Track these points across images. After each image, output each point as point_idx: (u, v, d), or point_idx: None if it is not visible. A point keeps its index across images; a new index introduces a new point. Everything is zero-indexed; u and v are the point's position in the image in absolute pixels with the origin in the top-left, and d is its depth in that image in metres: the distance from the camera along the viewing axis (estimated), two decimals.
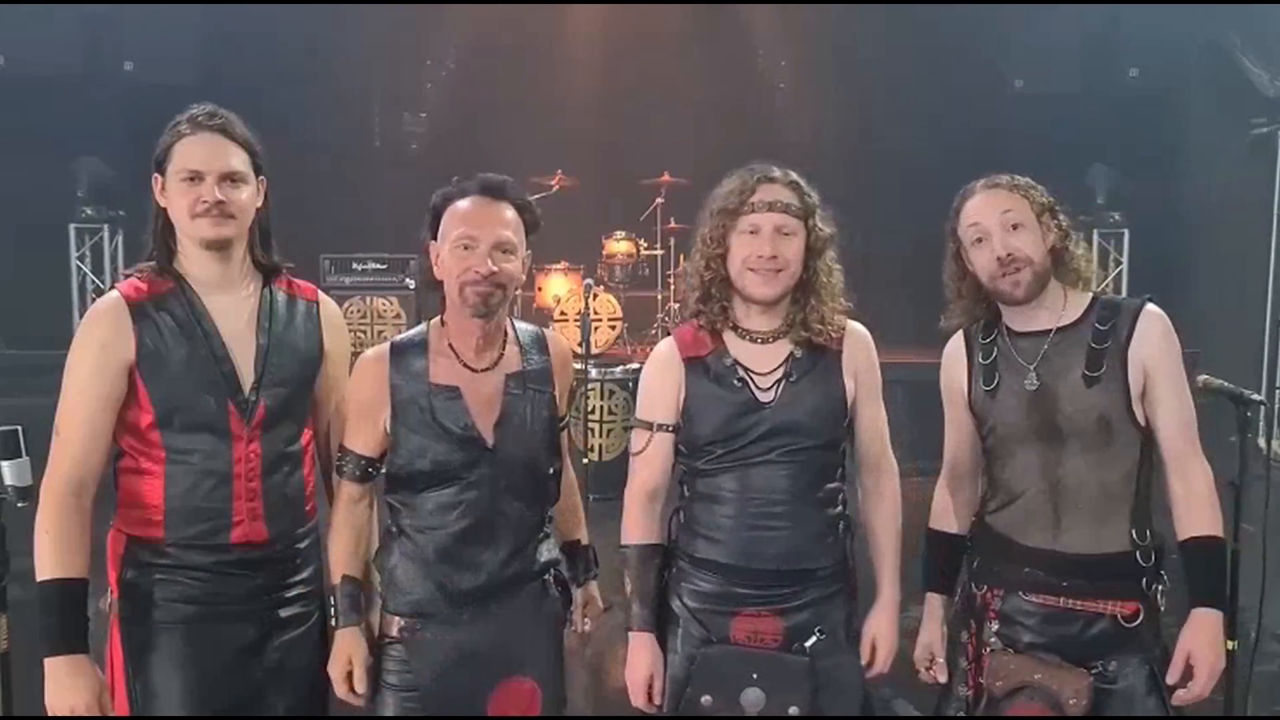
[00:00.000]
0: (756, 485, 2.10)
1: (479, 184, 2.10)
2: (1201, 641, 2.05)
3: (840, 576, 2.17)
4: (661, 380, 2.19)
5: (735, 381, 2.13)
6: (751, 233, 2.11)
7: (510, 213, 2.09)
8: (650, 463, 2.19)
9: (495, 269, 2.04)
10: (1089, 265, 2.20)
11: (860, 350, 2.20)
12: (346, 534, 2.15)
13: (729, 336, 2.17)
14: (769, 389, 2.12)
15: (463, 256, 2.04)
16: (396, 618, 2.11)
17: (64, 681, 1.95)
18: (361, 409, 2.12)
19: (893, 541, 2.23)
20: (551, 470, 2.19)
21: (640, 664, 2.15)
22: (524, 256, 2.13)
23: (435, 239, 2.11)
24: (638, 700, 2.16)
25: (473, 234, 2.04)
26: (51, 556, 1.97)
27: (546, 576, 2.20)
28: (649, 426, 2.19)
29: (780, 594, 2.11)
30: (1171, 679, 2.06)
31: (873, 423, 2.22)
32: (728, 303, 2.17)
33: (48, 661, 1.96)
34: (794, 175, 2.18)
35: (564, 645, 2.24)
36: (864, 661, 2.18)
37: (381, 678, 2.12)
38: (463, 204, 2.08)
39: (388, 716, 2.10)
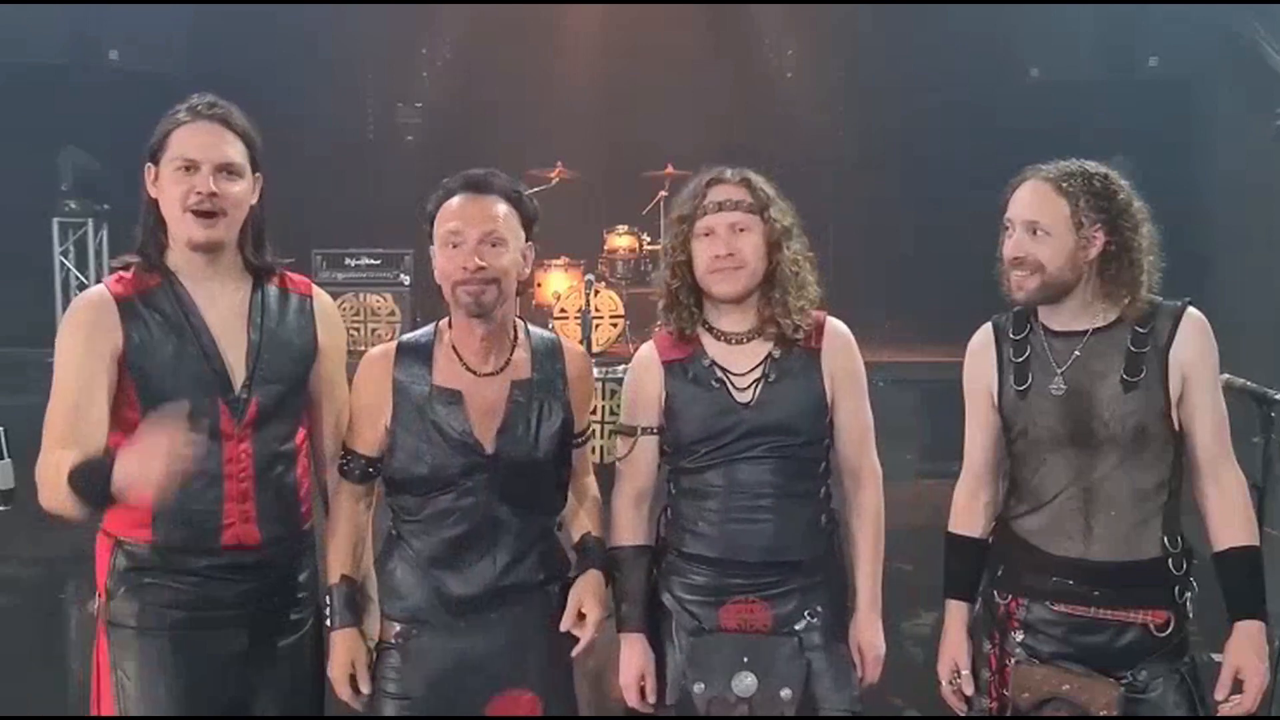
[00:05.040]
0: (741, 480, 2.14)
1: (462, 181, 2.11)
2: (1249, 654, 2.02)
3: (823, 567, 2.20)
4: (643, 384, 2.25)
5: (714, 382, 2.17)
6: (707, 235, 2.16)
7: (499, 206, 2.08)
8: (636, 466, 2.25)
9: (483, 264, 2.02)
10: (1143, 281, 2.04)
11: (838, 348, 2.22)
12: (346, 533, 2.14)
13: (706, 339, 2.21)
14: (746, 389, 2.16)
15: (451, 255, 2.04)
16: (394, 623, 2.10)
17: None
18: (364, 409, 2.12)
19: (870, 550, 2.23)
20: (557, 482, 2.17)
21: (631, 664, 2.18)
22: (523, 249, 2.11)
23: (433, 243, 2.11)
24: (631, 700, 2.18)
25: (458, 230, 2.04)
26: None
27: (552, 588, 2.16)
28: (632, 432, 2.25)
29: (766, 582, 2.15)
30: (1220, 694, 2.03)
31: (851, 423, 2.22)
32: (696, 307, 2.21)
33: None
34: (747, 173, 2.21)
35: (572, 659, 2.19)
36: (857, 674, 2.18)
37: (379, 684, 2.09)
38: (450, 203, 2.08)
39: (387, 718, 2.08)
